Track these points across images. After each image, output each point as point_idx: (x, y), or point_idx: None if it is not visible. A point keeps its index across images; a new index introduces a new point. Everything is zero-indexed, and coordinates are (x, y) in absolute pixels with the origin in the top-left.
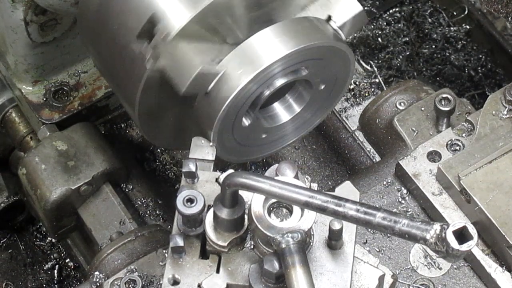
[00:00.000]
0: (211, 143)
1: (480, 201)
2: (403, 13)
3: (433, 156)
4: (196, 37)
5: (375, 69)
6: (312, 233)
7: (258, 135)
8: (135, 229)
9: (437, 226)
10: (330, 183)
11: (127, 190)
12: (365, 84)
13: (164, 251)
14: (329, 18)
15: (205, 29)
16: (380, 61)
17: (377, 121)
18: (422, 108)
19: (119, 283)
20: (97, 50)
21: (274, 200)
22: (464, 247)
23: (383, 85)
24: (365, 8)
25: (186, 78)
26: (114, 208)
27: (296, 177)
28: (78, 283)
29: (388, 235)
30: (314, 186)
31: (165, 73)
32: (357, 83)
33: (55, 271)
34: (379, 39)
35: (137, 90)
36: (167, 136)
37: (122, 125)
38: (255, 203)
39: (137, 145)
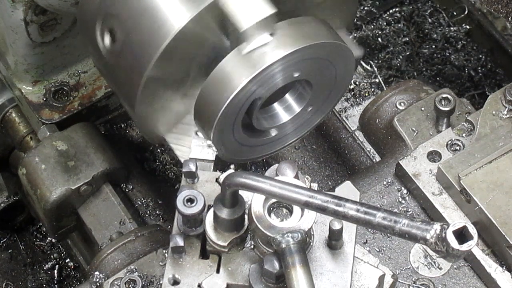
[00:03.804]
0: (211, 143)
1: (480, 201)
2: (403, 13)
3: (433, 156)
4: (154, 98)
5: (375, 69)
6: (312, 233)
7: (258, 135)
8: (135, 229)
9: (437, 226)
10: (330, 183)
11: (127, 190)
12: (365, 84)
13: (164, 251)
14: None
15: (166, 75)
16: (380, 61)
17: (377, 121)
18: (422, 108)
19: (119, 283)
20: (96, 52)
21: (274, 200)
22: (464, 247)
23: (383, 85)
24: (365, 8)
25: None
26: (114, 208)
27: (296, 177)
28: (78, 283)
29: (388, 235)
30: (314, 186)
31: None
32: (357, 83)
33: (55, 271)
34: (379, 39)
35: (137, 91)
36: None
37: (122, 125)
38: (255, 203)
39: (137, 145)
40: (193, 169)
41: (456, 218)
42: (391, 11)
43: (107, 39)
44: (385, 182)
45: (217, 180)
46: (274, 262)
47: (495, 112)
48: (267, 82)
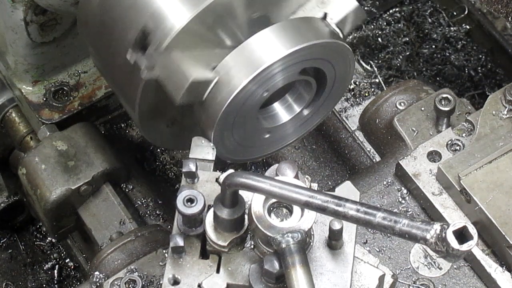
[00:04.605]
0: (211, 143)
1: (480, 201)
2: (403, 13)
3: (433, 156)
4: (189, 45)
5: (375, 69)
6: (312, 233)
7: (258, 135)
8: (135, 229)
9: (437, 226)
10: (330, 183)
11: (127, 190)
12: (365, 84)
13: (164, 251)
14: (325, 16)
15: (201, 33)
16: (380, 61)
17: (377, 121)
18: (422, 108)
19: (119, 283)
20: (97, 50)
21: (274, 200)
22: (464, 247)
23: (383, 85)
24: (365, 8)
25: (180, 89)
26: (114, 208)
27: (296, 177)
28: (78, 283)
29: (388, 235)
30: (314, 186)
31: (160, 82)
32: (357, 83)
33: (55, 271)
34: (379, 39)
35: (136, 92)
36: (167, 136)
37: (122, 125)
38: (255, 203)
39: (137, 145)
40: (193, 169)
41: (456, 218)
42: (391, 11)
43: None
44: (385, 182)
45: (217, 180)
46: (274, 262)
47: (495, 112)
48: (267, 82)
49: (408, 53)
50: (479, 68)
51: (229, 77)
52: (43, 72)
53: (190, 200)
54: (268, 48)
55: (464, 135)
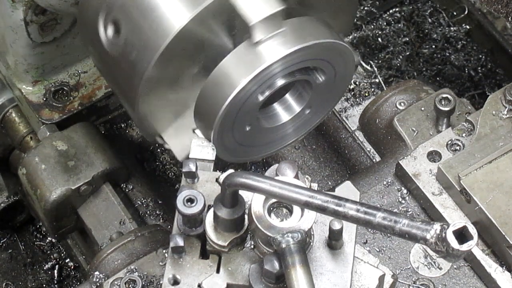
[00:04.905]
0: (211, 143)
1: (480, 201)
2: (403, 13)
3: (433, 156)
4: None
5: (375, 69)
6: (312, 233)
7: (258, 135)
8: (135, 229)
9: (437, 226)
10: (330, 183)
11: (127, 190)
12: (365, 84)
13: (164, 251)
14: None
15: (162, 102)
16: (380, 61)
17: (377, 121)
18: (422, 108)
19: (119, 283)
20: (97, 50)
21: (274, 200)
22: (464, 247)
23: (383, 85)
24: (365, 8)
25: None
26: (114, 208)
27: (296, 177)
28: (78, 283)
29: (388, 235)
30: (314, 186)
31: None
32: (357, 83)
33: (55, 271)
34: (379, 39)
35: (136, 91)
36: None
37: (122, 125)
38: (255, 203)
39: (137, 145)
40: (193, 169)
41: (456, 218)
42: (391, 11)
43: (110, 31)
44: (385, 182)
45: (217, 180)
46: (274, 262)
47: (495, 112)
48: (267, 82)
49: (408, 53)
50: (479, 68)
51: (229, 77)
52: (43, 72)
53: (190, 200)
54: (268, 48)
55: (464, 135)
